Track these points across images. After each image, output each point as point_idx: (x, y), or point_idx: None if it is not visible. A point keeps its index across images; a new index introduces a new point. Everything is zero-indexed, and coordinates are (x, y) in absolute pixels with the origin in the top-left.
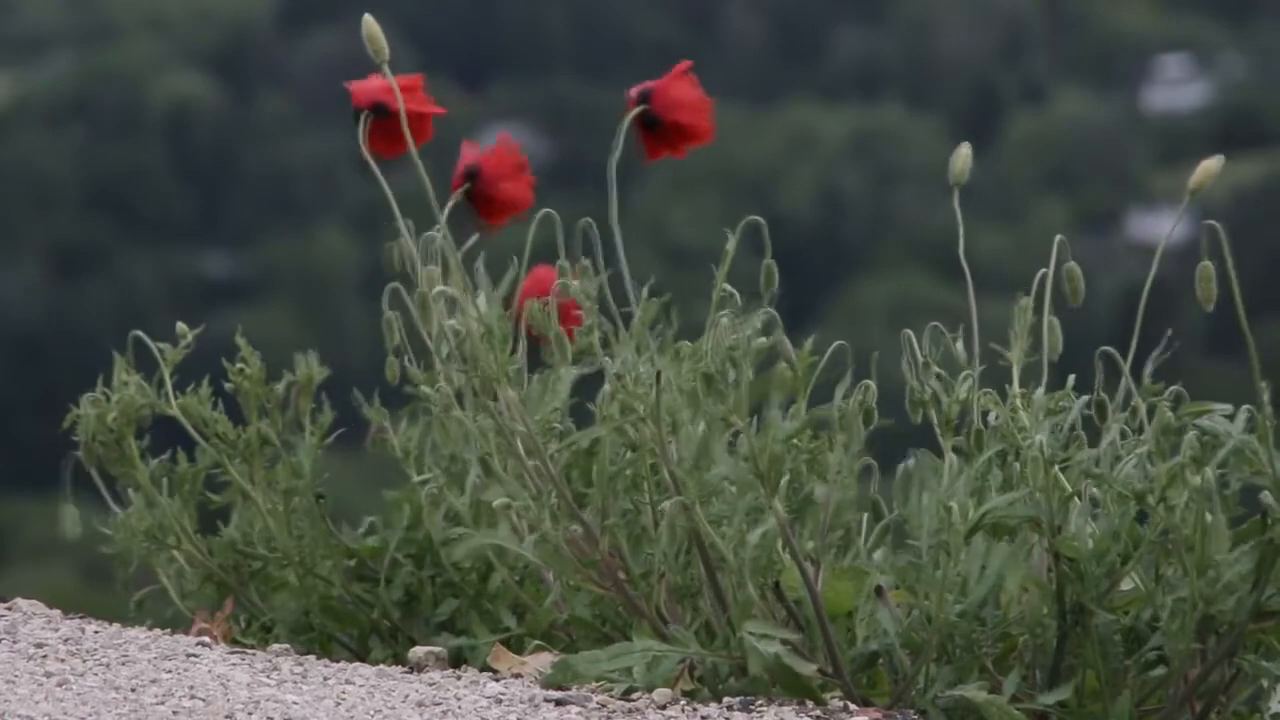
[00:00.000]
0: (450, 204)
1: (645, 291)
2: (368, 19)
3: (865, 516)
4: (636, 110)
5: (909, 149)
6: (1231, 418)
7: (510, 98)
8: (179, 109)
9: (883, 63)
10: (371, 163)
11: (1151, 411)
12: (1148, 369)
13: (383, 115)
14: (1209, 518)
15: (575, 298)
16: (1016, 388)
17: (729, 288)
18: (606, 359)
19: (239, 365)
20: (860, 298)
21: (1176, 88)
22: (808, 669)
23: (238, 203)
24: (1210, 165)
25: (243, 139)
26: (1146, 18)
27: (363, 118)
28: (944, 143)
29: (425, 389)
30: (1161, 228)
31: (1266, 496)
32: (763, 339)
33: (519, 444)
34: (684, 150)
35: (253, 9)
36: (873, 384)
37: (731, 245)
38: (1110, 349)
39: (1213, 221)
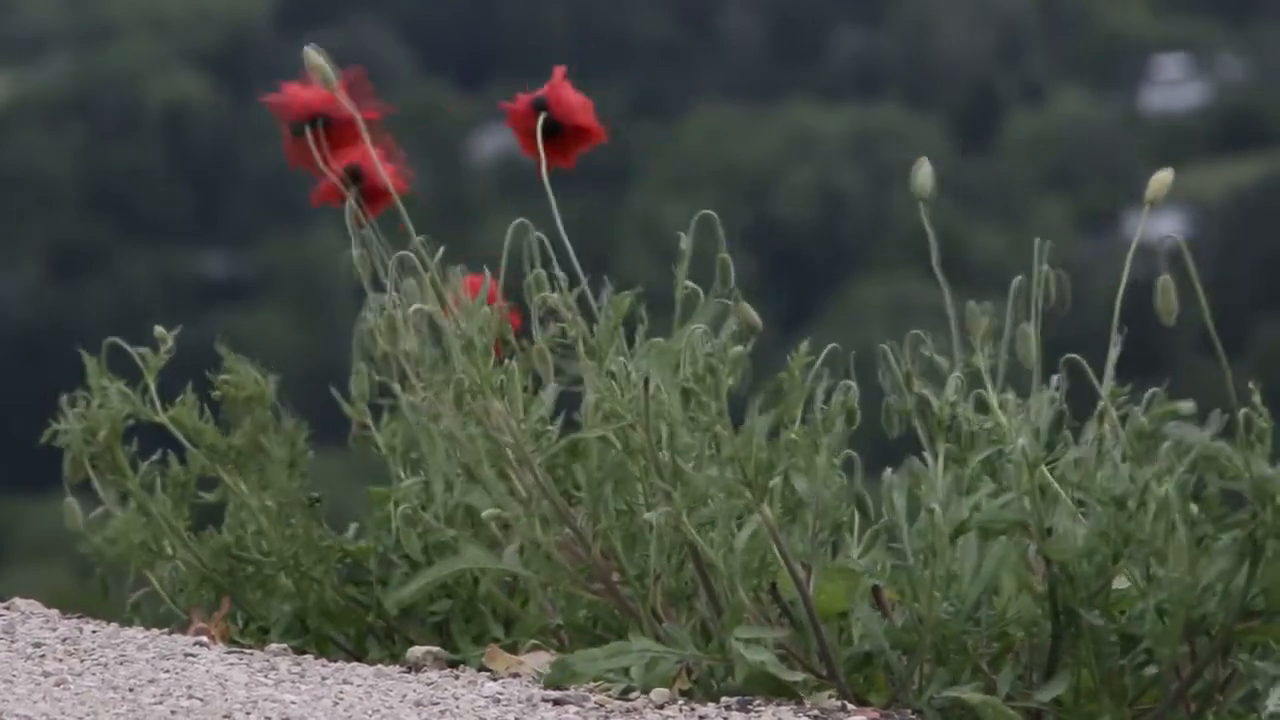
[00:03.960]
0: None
1: (610, 290)
2: (308, 51)
3: (857, 519)
4: (540, 118)
5: (909, 149)
6: (1204, 419)
7: (510, 98)
8: (177, 109)
9: (882, 63)
10: (335, 175)
11: (1122, 416)
12: (1108, 372)
13: (324, 125)
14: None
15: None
16: (994, 392)
17: (690, 284)
18: (587, 363)
19: (222, 375)
20: (859, 298)
21: (1174, 88)
22: (794, 676)
23: (236, 203)
24: (1163, 177)
25: (241, 139)
26: (1144, 18)
27: (308, 130)
28: (944, 143)
29: (409, 399)
30: (1160, 227)
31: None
32: (738, 347)
33: (509, 454)
34: (574, 157)
35: (251, 9)
36: (854, 385)
37: (687, 245)
38: (1076, 356)
39: (1180, 235)
